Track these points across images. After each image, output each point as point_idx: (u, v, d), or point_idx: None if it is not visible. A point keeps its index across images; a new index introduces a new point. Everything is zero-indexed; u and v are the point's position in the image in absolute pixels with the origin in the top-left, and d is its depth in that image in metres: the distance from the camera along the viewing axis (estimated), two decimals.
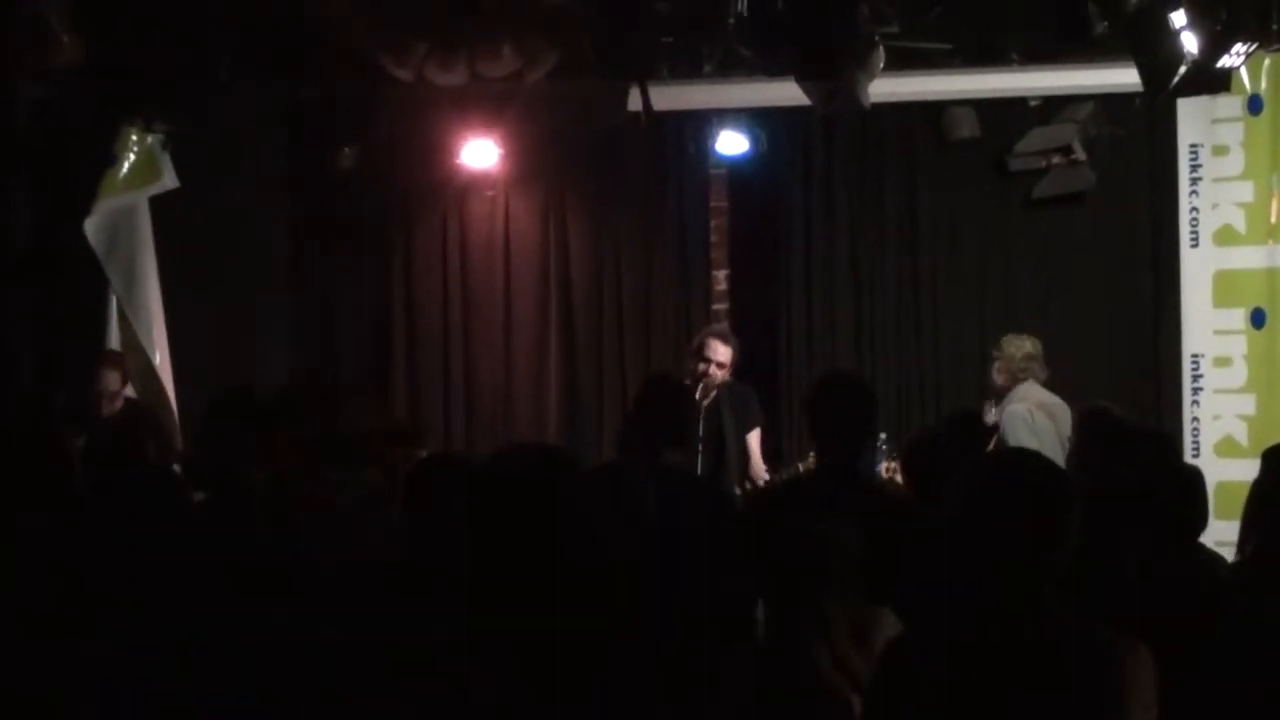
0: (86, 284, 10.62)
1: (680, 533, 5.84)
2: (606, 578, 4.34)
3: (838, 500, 6.10)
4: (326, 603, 4.80)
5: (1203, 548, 5.94)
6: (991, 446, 9.60)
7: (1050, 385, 9.98)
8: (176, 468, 7.49)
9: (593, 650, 4.17)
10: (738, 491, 9.72)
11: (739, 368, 10.27)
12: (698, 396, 9.64)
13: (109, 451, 7.13)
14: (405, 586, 4.64)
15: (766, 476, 9.93)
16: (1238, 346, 10.45)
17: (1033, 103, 11.28)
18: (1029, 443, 9.30)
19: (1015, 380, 9.93)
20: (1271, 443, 7.27)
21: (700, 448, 9.48)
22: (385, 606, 4.52)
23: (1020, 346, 10.01)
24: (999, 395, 9.99)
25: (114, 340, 10.69)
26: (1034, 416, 9.63)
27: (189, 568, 4.62)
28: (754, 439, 10.22)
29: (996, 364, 9.99)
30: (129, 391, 10.35)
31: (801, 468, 9.39)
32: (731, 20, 7.64)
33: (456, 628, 4.04)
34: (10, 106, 9.50)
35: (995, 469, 4.18)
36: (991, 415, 9.94)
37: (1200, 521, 5.98)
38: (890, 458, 9.35)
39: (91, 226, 10.58)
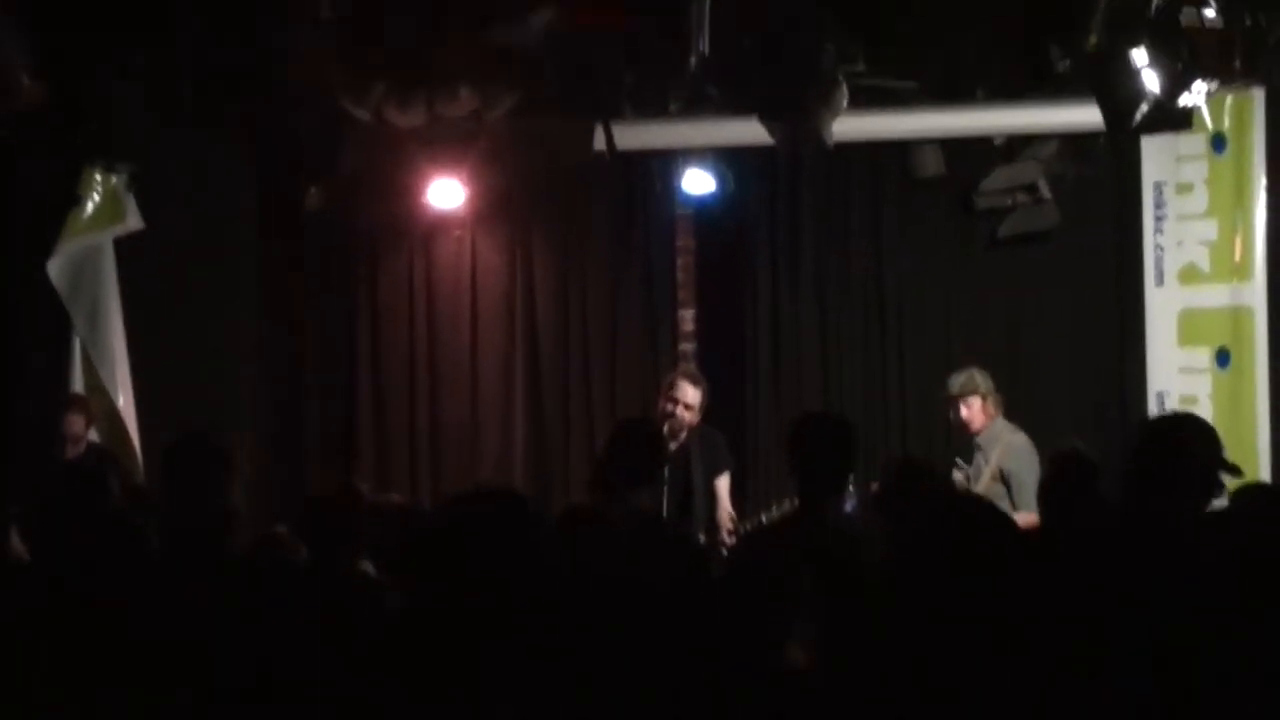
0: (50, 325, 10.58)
1: (646, 577, 5.83)
2: (568, 622, 4.32)
3: (819, 540, 6.11)
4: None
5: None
6: (990, 473, 9.68)
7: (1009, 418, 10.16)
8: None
9: (556, 694, 4.15)
10: (702, 537, 9.71)
11: (707, 409, 10.26)
12: (666, 438, 9.61)
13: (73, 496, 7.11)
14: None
15: (732, 524, 9.90)
16: (1203, 386, 10.49)
17: (998, 141, 11.29)
18: (1035, 475, 9.40)
19: (995, 414, 10.02)
20: (1237, 484, 7.33)
21: (666, 491, 9.44)
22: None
23: (986, 380, 10.09)
24: (976, 431, 10.03)
25: (78, 382, 10.64)
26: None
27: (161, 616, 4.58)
28: (723, 484, 10.18)
29: (971, 400, 10.02)
30: (93, 435, 10.30)
31: (773, 510, 9.33)
32: (693, 59, 7.63)
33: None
34: None
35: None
36: (978, 462, 10.01)
37: None
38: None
39: (55, 268, 10.56)
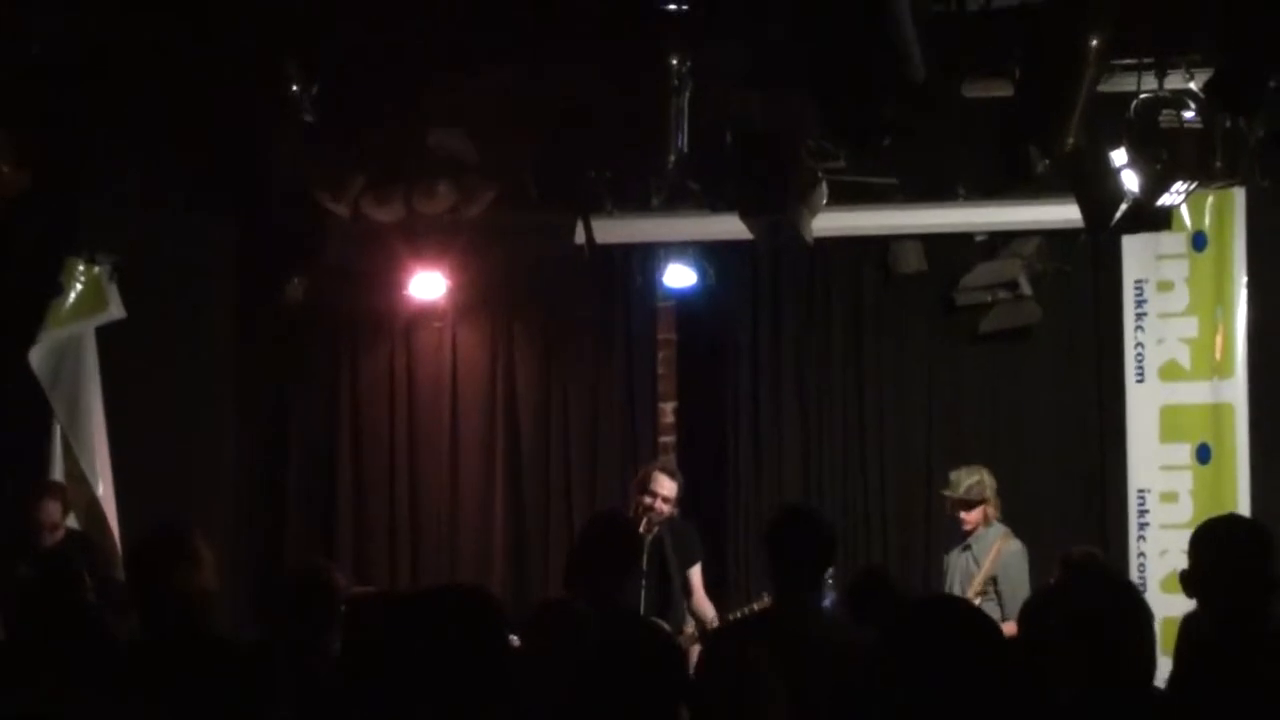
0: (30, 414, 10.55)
1: (621, 669, 5.80)
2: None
3: (790, 639, 6.09)
4: None
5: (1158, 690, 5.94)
6: (983, 578, 9.67)
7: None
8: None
9: None
10: (689, 629, 9.69)
11: (684, 501, 10.25)
12: (641, 531, 9.59)
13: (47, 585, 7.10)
14: None
15: (712, 612, 9.90)
16: (1184, 482, 10.50)
17: (979, 238, 11.34)
18: (1026, 584, 9.43)
19: (994, 516, 10.02)
20: None
21: (644, 583, 9.42)
22: None
23: (993, 482, 10.08)
24: (972, 528, 10.02)
25: (57, 470, 10.60)
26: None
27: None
28: (695, 574, 10.18)
29: (972, 492, 10.01)
30: (71, 522, 10.26)
31: (753, 605, 9.31)
32: (672, 157, 7.66)
33: None
34: None
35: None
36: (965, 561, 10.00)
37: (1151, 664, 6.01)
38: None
39: (36, 356, 10.53)
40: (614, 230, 10.30)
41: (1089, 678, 5.02)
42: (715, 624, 9.51)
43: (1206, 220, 10.43)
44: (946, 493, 10.21)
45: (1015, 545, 9.95)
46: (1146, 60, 8.08)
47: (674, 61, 7.58)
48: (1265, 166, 9.24)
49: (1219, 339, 10.43)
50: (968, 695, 4.15)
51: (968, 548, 10.07)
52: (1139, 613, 5.86)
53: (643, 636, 6.80)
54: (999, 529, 10.04)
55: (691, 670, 8.12)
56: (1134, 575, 10.41)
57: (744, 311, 12.10)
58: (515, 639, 6.38)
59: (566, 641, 5.70)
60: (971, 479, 10.07)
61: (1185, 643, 5.77)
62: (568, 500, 12.14)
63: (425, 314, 12.09)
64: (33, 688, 4.38)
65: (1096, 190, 8.40)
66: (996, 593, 9.79)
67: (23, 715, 4.36)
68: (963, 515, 10.06)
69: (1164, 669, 6.20)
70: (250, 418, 12.22)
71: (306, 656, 5.54)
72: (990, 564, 9.86)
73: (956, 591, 9.62)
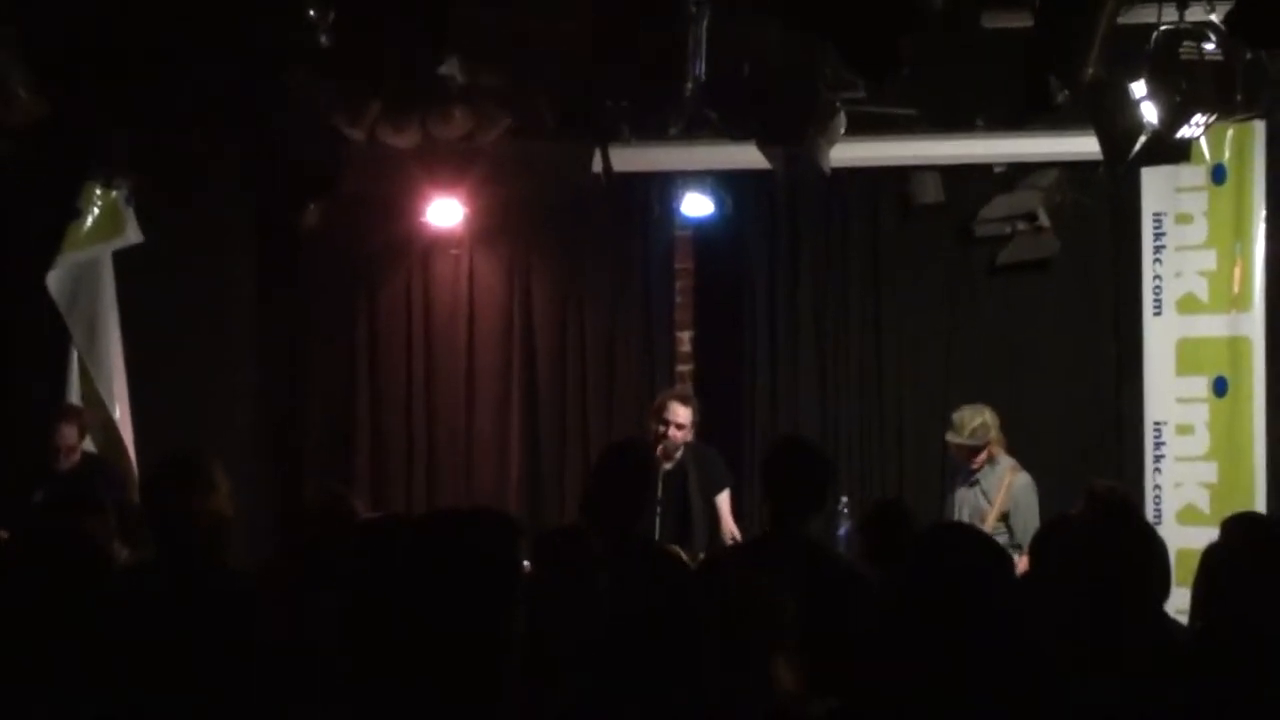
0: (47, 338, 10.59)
1: (633, 601, 5.82)
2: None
3: (785, 566, 6.11)
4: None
5: (1165, 615, 5.95)
6: (996, 515, 9.68)
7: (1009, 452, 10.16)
8: None
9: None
10: (701, 556, 9.71)
11: (702, 429, 10.27)
12: (660, 459, 9.60)
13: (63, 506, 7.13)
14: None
15: (738, 538, 9.93)
16: (1200, 414, 10.46)
17: (997, 169, 11.31)
18: (1037, 516, 9.45)
19: (999, 452, 10.03)
20: (1233, 511, 7.34)
21: (660, 511, 9.45)
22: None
23: (996, 421, 10.08)
24: (978, 466, 10.02)
25: (74, 394, 10.65)
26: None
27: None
28: (723, 501, 10.22)
29: (977, 435, 10.00)
30: (88, 445, 10.30)
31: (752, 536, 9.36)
32: (690, 86, 7.64)
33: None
34: None
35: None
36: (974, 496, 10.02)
37: (1164, 590, 6.02)
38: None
39: (54, 280, 10.57)
40: (632, 159, 10.26)
41: (1096, 607, 5.04)
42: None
43: (1226, 153, 10.36)
44: (950, 436, 10.20)
45: (1024, 477, 9.97)
46: None
47: None
48: None
49: (1237, 272, 10.38)
50: (981, 623, 4.16)
51: (975, 482, 10.09)
52: (1147, 543, 5.88)
53: (656, 565, 6.83)
54: (1007, 461, 10.05)
55: None
56: (1150, 508, 10.40)
57: (761, 241, 12.10)
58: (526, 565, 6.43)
59: (577, 569, 5.73)
60: (975, 421, 10.06)
61: (1205, 576, 5.77)
62: (584, 428, 12.18)
63: (442, 241, 12.10)
64: (38, 616, 4.38)
65: (1116, 122, 8.34)
66: (1008, 526, 9.81)
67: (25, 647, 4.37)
68: (969, 460, 10.07)
69: (1180, 600, 6.25)
70: (267, 343, 12.25)
71: (323, 583, 5.55)
72: (1002, 498, 9.87)
73: None
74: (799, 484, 6.56)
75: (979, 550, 4.17)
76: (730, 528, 10.14)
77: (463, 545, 4.14)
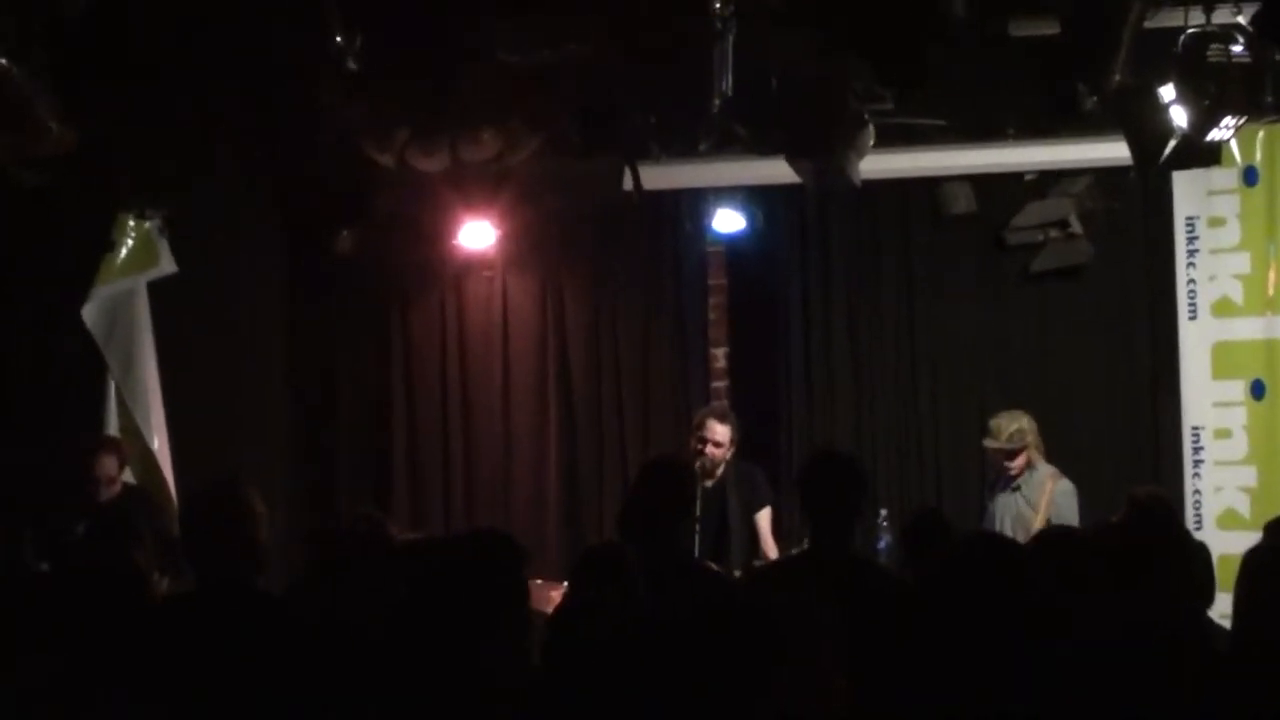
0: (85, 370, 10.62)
1: (669, 616, 5.81)
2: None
3: (828, 581, 6.11)
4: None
5: (1210, 620, 5.96)
6: (1041, 522, 9.65)
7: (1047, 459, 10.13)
8: None
9: None
10: (738, 574, 9.70)
11: (740, 446, 10.27)
12: (700, 477, 9.59)
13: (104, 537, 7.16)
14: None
15: (776, 555, 9.92)
16: (1238, 418, 10.45)
17: (1028, 177, 11.28)
18: (1077, 519, 9.44)
19: (1038, 458, 10.01)
20: (1274, 514, 7.31)
21: (700, 528, 9.43)
22: None
23: (1033, 426, 10.06)
24: (1017, 472, 10.00)
25: (112, 426, 10.68)
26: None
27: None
28: (764, 519, 10.21)
29: (1014, 439, 9.98)
30: (127, 477, 10.33)
31: (795, 551, 9.35)
32: (717, 101, 7.65)
33: None
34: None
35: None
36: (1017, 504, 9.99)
37: (1208, 595, 6.03)
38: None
39: (90, 312, 10.60)
40: (661, 176, 10.29)
41: (1140, 612, 5.03)
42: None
43: (1258, 154, 10.35)
44: (988, 442, 10.18)
45: (1066, 484, 9.94)
46: None
47: (717, 4, 7.55)
48: None
49: (1271, 274, 10.36)
50: (1010, 634, 4.16)
51: (1016, 488, 10.05)
52: (1188, 549, 5.86)
53: (695, 582, 6.82)
54: (1047, 468, 10.02)
55: None
56: (1189, 513, 10.38)
57: (793, 255, 12.09)
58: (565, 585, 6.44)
59: (617, 585, 5.73)
60: (1013, 426, 10.04)
61: (1246, 578, 5.75)
62: (621, 447, 12.17)
63: (475, 264, 12.12)
64: (75, 648, 4.42)
65: (1145, 126, 8.35)
66: None
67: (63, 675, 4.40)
68: (1007, 463, 10.04)
69: (1224, 606, 6.22)
70: (301, 369, 12.27)
71: (359, 609, 5.56)
72: (1046, 504, 9.85)
73: (1007, 533, 9.60)
74: (836, 497, 6.54)
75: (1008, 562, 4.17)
76: (769, 545, 10.14)
77: (460, 568, 4.21)
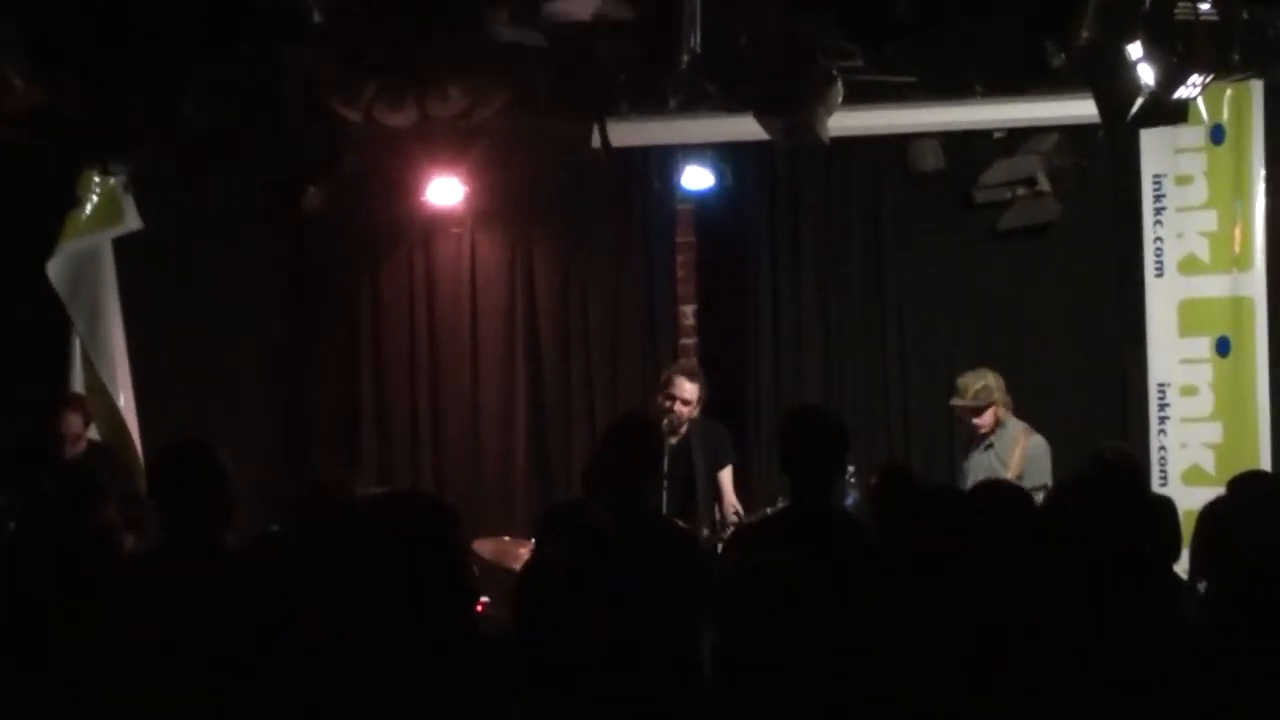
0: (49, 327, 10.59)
1: (641, 571, 5.84)
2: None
3: (808, 536, 6.13)
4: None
5: (1176, 576, 6.00)
6: (1014, 474, 9.67)
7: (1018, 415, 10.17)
8: None
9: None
10: (705, 531, 9.72)
11: (708, 404, 10.27)
12: (666, 434, 9.59)
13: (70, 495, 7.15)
14: None
15: (739, 514, 9.93)
16: (1204, 375, 10.48)
17: (997, 135, 11.27)
18: (1049, 475, 9.47)
19: (1007, 415, 10.03)
20: (1238, 471, 7.36)
21: (667, 486, 9.44)
22: None
23: (999, 383, 10.08)
24: (986, 429, 10.03)
25: (78, 383, 10.66)
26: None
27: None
28: (726, 477, 10.22)
29: (979, 397, 10.00)
30: (93, 434, 10.32)
31: (769, 510, 9.35)
32: (686, 57, 7.62)
33: None
34: None
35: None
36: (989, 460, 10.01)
37: (1175, 550, 6.07)
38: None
39: (54, 268, 10.58)
40: (631, 133, 10.24)
41: (1106, 567, 5.06)
42: (734, 525, 9.55)
43: (1225, 113, 10.36)
44: (954, 400, 10.22)
45: (1038, 440, 9.98)
46: None
47: None
48: None
49: (1238, 232, 10.39)
50: (993, 585, 4.18)
51: (990, 446, 10.08)
52: (1154, 504, 5.90)
53: (664, 538, 6.83)
54: (1018, 424, 10.06)
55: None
56: (1155, 469, 10.42)
57: (762, 212, 12.07)
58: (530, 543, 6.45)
59: (583, 542, 5.73)
60: (978, 384, 10.07)
61: (1206, 529, 5.79)
62: (590, 404, 12.17)
63: (443, 220, 12.10)
64: (52, 605, 4.41)
65: (1113, 84, 8.34)
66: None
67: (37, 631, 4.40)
68: (974, 420, 10.08)
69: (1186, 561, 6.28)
70: (270, 326, 12.25)
71: (326, 566, 5.57)
72: (1017, 460, 9.88)
73: None
74: (817, 453, 6.52)
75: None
76: (732, 503, 10.14)
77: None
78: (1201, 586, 5.73)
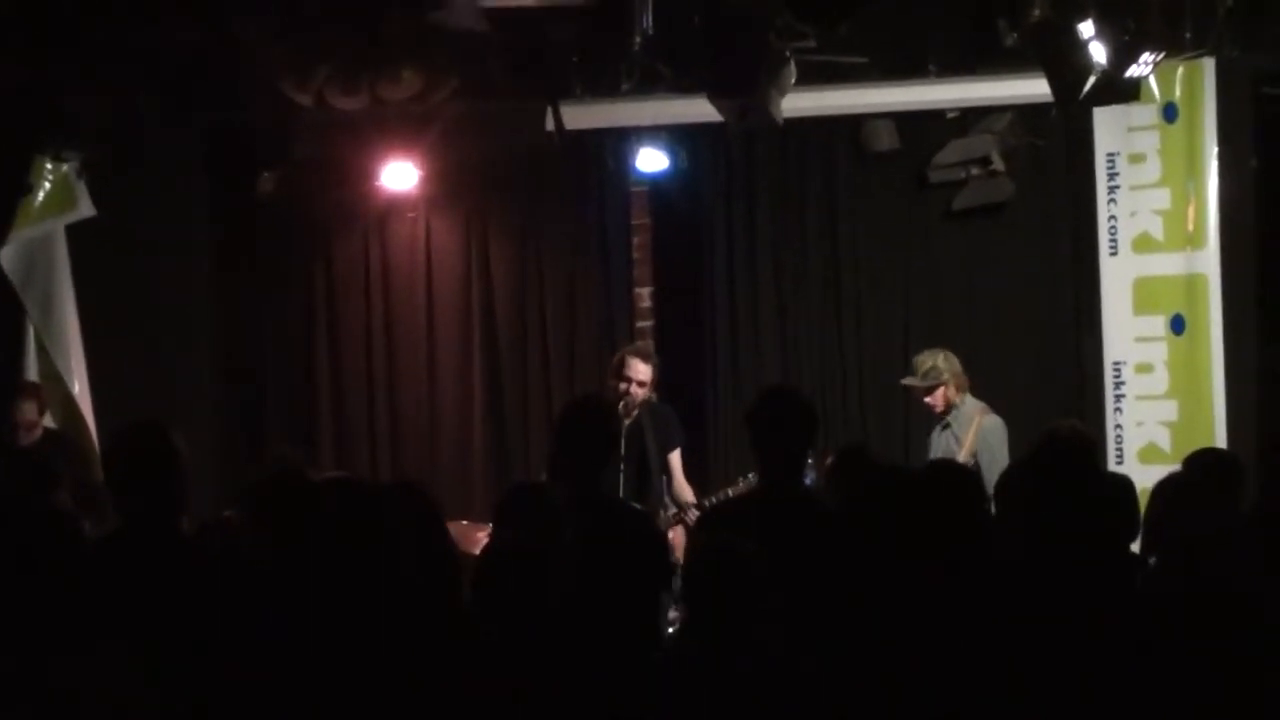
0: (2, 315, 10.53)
1: (601, 554, 5.84)
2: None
3: (784, 518, 6.15)
4: None
5: (1134, 554, 6.01)
6: (966, 456, 9.68)
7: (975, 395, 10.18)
8: None
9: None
10: (663, 513, 9.73)
11: (662, 385, 10.27)
12: (621, 415, 9.58)
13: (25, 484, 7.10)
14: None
15: (690, 497, 9.93)
16: (1159, 353, 10.51)
17: (951, 114, 11.29)
18: (1006, 458, 9.47)
19: (962, 394, 10.04)
20: (1194, 448, 7.38)
21: (623, 468, 9.43)
22: None
23: (952, 359, 10.09)
24: (945, 410, 10.04)
25: (32, 371, 10.61)
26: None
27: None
28: (675, 459, 10.21)
29: (929, 376, 10.01)
30: (48, 421, 10.28)
31: (732, 492, 9.34)
32: (639, 39, 7.61)
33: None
34: None
35: None
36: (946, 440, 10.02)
37: (1133, 528, 6.09)
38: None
39: (7, 256, 10.52)
40: (584, 116, 10.24)
41: (1061, 546, 5.08)
42: (694, 507, 9.55)
43: (1177, 91, 10.38)
44: (906, 379, 10.25)
45: (993, 419, 9.98)
46: None
47: None
48: (1235, 36, 9.20)
49: (1191, 210, 10.42)
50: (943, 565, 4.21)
51: (947, 425, 10.10)
52: (1110, 483, 5.92)
53: (623, 521, 6.83)
54: (975, 404, 10.06)
55: (675, 554, 8.23)
56: (1111, 448, 10.45)
57: (718, 194, 12.07)
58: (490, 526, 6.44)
59: (541, 524, 5.73)
60: (928, 364, 10.08)
61: (1159, 504, 5.82)
62: (546, 387, 12.17)
63: (398, 205, 12.06)
64: (13, 592, 4.40)
65: (1065, 63, 8.36)
66: (977, 466, 9.82)
67: None
68: (926, 400, 10.10)
69: None
70: (224, 312, 12.19)
71: (279, 551, 5.55)
72: (971, 440, 9.89)
73: None
74: (787, 434, 6.54)
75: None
76: (683, 485, 10.14)
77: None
78: (1152, 561, 5.75)
